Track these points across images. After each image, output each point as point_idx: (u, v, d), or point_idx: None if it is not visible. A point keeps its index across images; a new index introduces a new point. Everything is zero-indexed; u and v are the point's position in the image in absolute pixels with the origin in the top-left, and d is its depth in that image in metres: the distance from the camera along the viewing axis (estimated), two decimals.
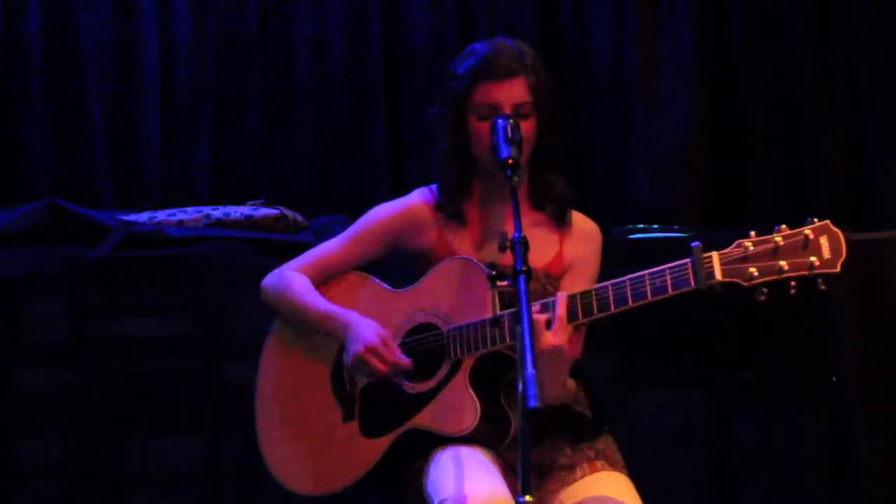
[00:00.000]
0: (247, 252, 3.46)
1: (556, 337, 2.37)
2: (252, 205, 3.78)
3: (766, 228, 2.29)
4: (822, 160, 3.91)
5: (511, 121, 2.54)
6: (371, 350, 2.59)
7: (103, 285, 3.45)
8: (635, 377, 3.44)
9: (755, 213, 3.91)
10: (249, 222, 3.66)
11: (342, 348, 2.71)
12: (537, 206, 2.73)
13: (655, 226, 3.75)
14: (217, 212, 3.69)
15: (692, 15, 3.98)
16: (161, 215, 3.68)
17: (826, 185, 3.90)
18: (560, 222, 2.72)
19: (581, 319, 2.41)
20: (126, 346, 3.48)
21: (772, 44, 3.98)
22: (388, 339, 2.61)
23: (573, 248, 2.72)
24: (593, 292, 2.40)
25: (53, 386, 3.46)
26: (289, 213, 3.74)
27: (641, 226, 3.74)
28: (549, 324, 2.38)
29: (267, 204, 3.79)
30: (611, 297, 2.37)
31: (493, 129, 2.54)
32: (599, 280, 2.60)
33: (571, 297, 2.41)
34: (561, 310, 2.37)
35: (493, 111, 2.61)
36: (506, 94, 2.61)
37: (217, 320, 3.50)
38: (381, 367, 2.59)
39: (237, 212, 3.70)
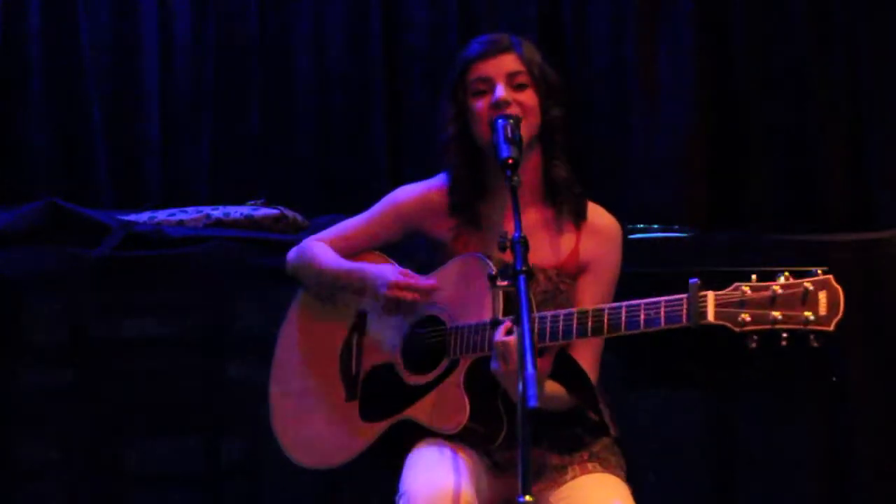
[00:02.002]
0: (247, 252, 3.46)
1: (542, 362, 2.36)
2: (252, 205, 3.78)
3: (769, 273, 2.23)
4: (822, 160, 3.91)
5: (511, 120, 2.53)
6: (395, 286, 2.62)
7: (103, 285, 3.45)
8: (635, 377, 3.44)
9: (755, 214, 3.91)
10: (249, 222, 3.66)
11: (354, 327, 2.75)
12: (551, 199, 2.68)
13: (655, 226, 3.75)
14: (217, 212, 3.69)
15: (692, 14, 3.98)
16: (161, 215, 3.68)
17: (826, 185, 3.90)
18: (577, 217, 2.68)
19: (576, 336, 2.40)
20: (126, 346, 3.49)
21: (772, 44, 3.98)
22: (407, 272, 2.64)
23: (591, 246, 2.68)
24: (590, 313, 2.38)
25: (53, 386, 3.46)
26: (289, 213, 3.74)
27: (641, 226, 3.73)
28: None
29: (267, 204, 3.79)
30: (605, 322, 2.36)
31: (493, 129, 2.53)
32: None
33: (568, 315, 2.40)
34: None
35: (487, 85, 2.62)
36: (497, 66, 2.62)
37: (217, 320, 3.50)
38: (413, 297, 2.61)
39: (237, 212, 3.70)
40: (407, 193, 2.80)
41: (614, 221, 2.74)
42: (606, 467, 2.60)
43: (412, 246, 2.85)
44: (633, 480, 2.61)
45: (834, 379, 3.38)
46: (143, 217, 3.67)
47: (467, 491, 2.41)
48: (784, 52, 3.97)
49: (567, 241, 2.67)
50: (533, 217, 2.64)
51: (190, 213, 3.69)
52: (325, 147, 4.20)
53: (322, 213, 3.94)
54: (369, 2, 4.16)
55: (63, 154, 4.15)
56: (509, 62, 2.63)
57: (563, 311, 2.43)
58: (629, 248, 3.55)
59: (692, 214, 3.90)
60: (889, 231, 3.54)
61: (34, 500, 3.45)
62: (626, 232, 3.66)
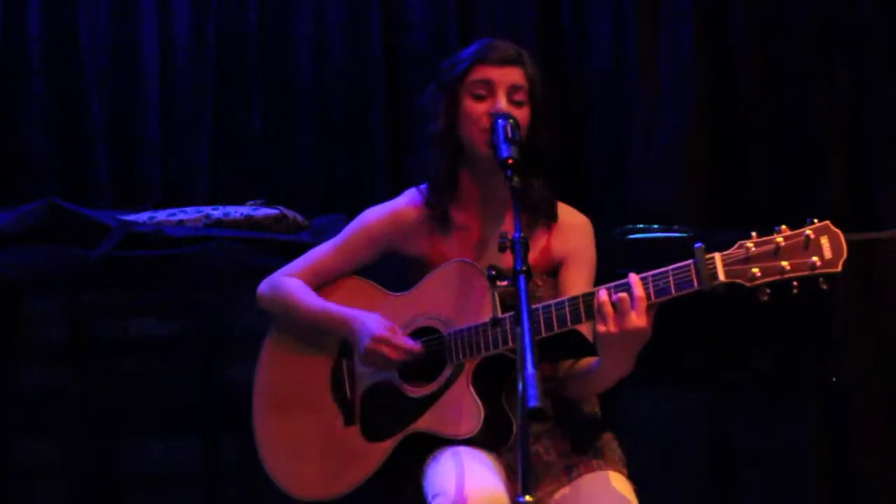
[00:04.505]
0: (246, 252, 3.46)
1: (640, 318, 2.35)
2: (252, 205, 3.78)
3: (766, 230, 2.29)
4: (822, 160, 3.91)
5: (511, 120, 2.54)
6: (380, 340, 2.59)
7: (103, 285, 3.45)
8: (635, 377, 3.44)
9: (755, 213, 3.91)
10: (249, 222, 3.66)
11: (341, 352, 2.73)
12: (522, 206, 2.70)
13: (655, 226, 3.75)
14: (217, 212, 3.69)
15: (692, 14, 3.98)
16: (161, 215, 3.68)
17: (826, 185, 3.90)
18: (547, 220, 2.71)
19: (584, 320, 2.41)
20: (126, 346, 3.48)
21: (772, 43, 3.98)
22: (394, 328, 2.61)
23: (562, 242, 2.71)
24: (596, 294, 2.39)
25: (53, 386, 3.46)
26: (289, 213, 3.74)
27: (641, 226, 3.74)
28: (616, 306, 2.35)
29: (267, 204, 3.79)
30: None
31: (493, 129, 2.54)
32: (598, 279, 2.60)
33: (573, 300, 2.41)
34: (639, 291, 2.35)
35: (489, 90, 2.62)
36: (503, 75, 2.63)
37: (217, 320, 3.50)
38: (392, 354, 2.58)
39: (237, 212, 3.70)
40: (376, 214, 2.78)
41: (585, 219, 2.78)
42: (609, 464, 2.60)
43: (388, 264, 2.84)
44: (635, 477, 2.61)
45: (834, 379, 3.39)
46: (143, 217, 3.67)
47: (499, 487, 2.41)
48: (784, 52, 3.98)
49: (537, 240, 2.69)
50: (507, 222, 2.66)
51: (190, 213, 3.69)
52: (325, 147, 4.20)
53: (322, 213, 3.94)
54: (369, 2, 4.16)
55: (63, 154, 4.15)
56: (515, 75, 2.64)
57: (567, 298, 2.44)
58: (629, 248, 3.59)
59: (692, 214, 3.90)
60: (889, 231, 3.54)
61: (34, 500, 3.45)
62: (626, 232, 3.69)
